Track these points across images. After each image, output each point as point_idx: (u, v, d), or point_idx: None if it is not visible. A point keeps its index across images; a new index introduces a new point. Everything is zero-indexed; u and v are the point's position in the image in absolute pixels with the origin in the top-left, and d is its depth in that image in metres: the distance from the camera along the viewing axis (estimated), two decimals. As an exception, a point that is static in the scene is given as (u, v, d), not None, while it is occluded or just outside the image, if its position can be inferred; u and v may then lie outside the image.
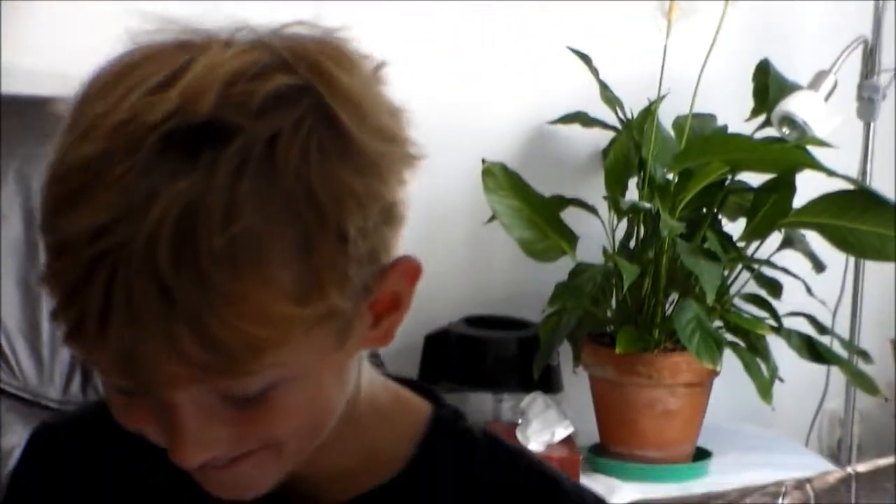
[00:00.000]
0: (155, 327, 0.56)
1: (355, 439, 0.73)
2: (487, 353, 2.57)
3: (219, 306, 0.56)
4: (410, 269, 0.68)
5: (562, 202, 2.53)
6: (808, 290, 2.46)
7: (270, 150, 0.58)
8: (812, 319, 2.50)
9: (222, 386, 0.60)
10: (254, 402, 0.62)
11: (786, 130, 2.53)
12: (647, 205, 2.41)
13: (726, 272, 2.45)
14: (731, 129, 2.60)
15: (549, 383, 2.55)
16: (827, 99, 2.55)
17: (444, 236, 2.61)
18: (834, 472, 2.29)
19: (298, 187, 0.58)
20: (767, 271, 2.51)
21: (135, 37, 0.63)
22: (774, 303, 2.48)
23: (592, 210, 2.52)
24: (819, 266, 2.54)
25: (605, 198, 2.51)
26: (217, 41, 0.62)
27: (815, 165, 2.37)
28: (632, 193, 2.50)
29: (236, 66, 0.59)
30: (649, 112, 2.47)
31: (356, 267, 0.61)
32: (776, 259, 2.50)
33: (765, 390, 2.37)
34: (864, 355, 2.60)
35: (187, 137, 0.57)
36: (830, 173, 2.40)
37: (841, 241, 2.45)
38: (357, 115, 0.61)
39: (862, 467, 2.29)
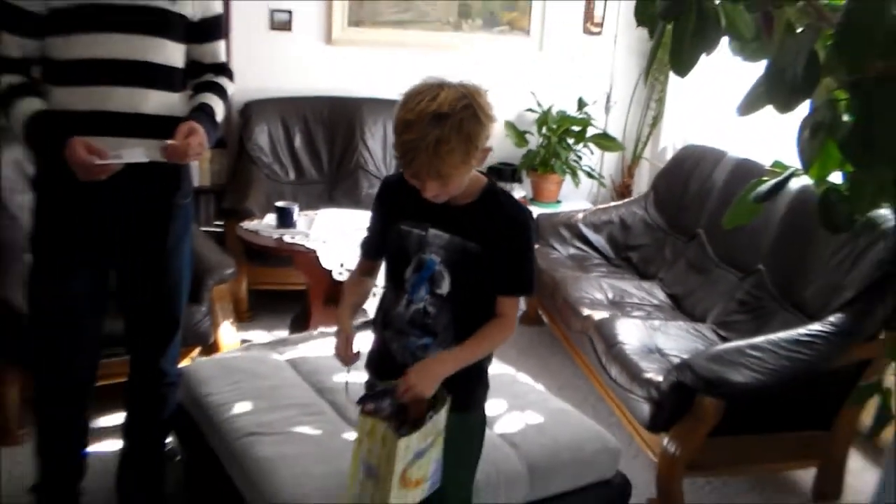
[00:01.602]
0: (426, 167, 2.06)
1: (466, 189, 2.19)
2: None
3: (443, 163, 2.05)
4: (489, 149, 2.16)
5: None
6: None
7: (458, 121, 2.03)
8: None
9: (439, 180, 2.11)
10: (445, 182, 2.10)
11: None
12: None
13: None
14: None
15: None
16: None
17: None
18: None
19: (464, 132, 2.04)
20: None
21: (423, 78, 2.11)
22: None
23: None
24: None
25: None
26: (445, 84, 2.07)
27: None
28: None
29: (451, 95, 2.05)
30: None
31: (479, 150, 2.11)
32: None
33: None
34: None
35: (436, 117, 2.01)
36: None
37: None
38: (483, 109, 2.09)
39: None
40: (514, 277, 2.23)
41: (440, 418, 2.13)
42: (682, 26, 1.46)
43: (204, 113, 2.84)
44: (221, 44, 2.95)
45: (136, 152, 2.63)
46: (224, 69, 2.98)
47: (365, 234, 2.41)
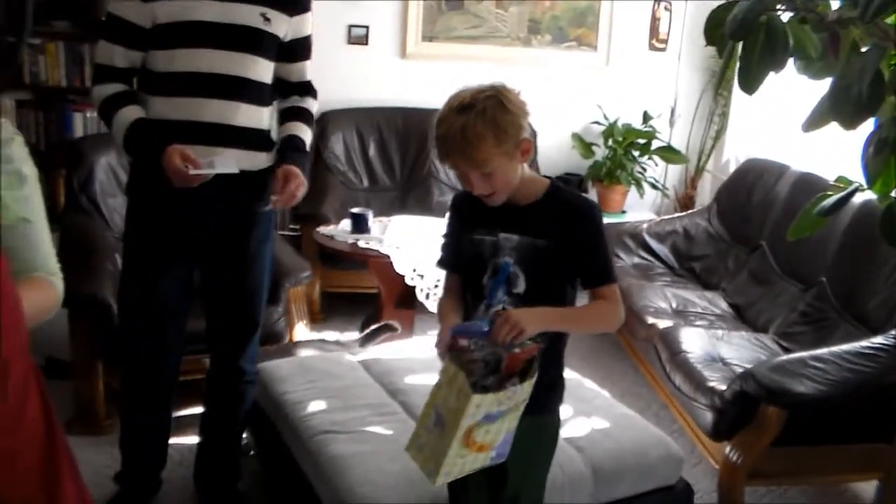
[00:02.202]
0: (459, 155, 2.14)
1: (525, 188, 2.23)
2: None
3: (474, 149, 2.10)
4: (529, 143, 2.19)
5: None
6: None
7: (482, 109, 2.09)
8: None
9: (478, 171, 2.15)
10: (489, 176, 2.14)
11: None
12: None
13: None
14: None
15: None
16: None
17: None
18: None
19: (489, 117, 2.09)
20: None
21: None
22: None
23: None
24: None
25: None
26: (478, 87, 2.15)
27: None
28: None
29: (476, 89, 2.14)
30: None
31: (513, 140, 2.14)
32: None
33: None
34: None
35: (462, 108, 2.11)
36: None
37: None
38: (508, 98, 2.14)
39: None
40: (596, 267, 2.24)
41: (522, 390, 2.07)
42: (751, 46, 1.48)
43: (297, 150, 2.94)
44: (308, 63, 3.03)
45: (228, 163, 2.72)
46: (309, 88, 3.05)
47: (442, 247, 2.44)
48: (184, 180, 2.66)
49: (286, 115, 3.03)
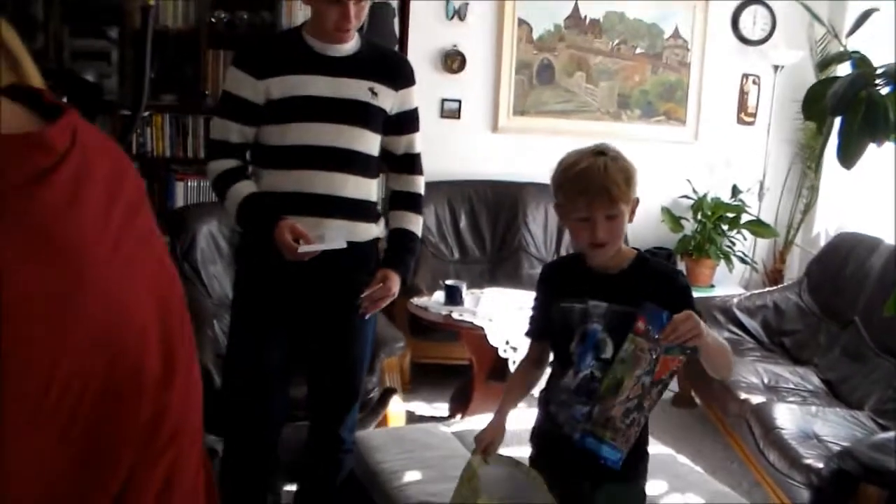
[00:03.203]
0: (597, 190, 2.17)
1: (616, 256, 2.27)
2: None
3: (613, 184, 2.17)
4: (637, 203, 2.26)
5: None
6: None
7: (615, 154, 2.24)
8: None
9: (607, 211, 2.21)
10: (612, 220, 2.20)
11: None
12: None
13: None
14: None
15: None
16: None
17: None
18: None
19: (621, 163, 2.22)
20: None
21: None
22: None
23: None
24: None
25: None
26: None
27: None
28: None
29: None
30: None
31: (633, 191, 2.22)
32: None
33: None
34: None
35: (596, 152, 2.22)
36: None
37: None
38: (628, 171, 2.23)
39: None
40: None
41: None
42: (852, 120, 1.48)
43: (407, 251, 3.05)
44: (417, 136, 3.10)
45: (337, 238, 2.79)
46: (416, 162, 3.11)
47: (530, 319, 2.46)
48: (294, 255, 2.73)
49: (398, 200, 3.11)
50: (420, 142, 3.13)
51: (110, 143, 1.07)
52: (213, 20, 5.39)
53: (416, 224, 3.09)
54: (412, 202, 3.11)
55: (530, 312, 2.46)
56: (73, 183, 0.95)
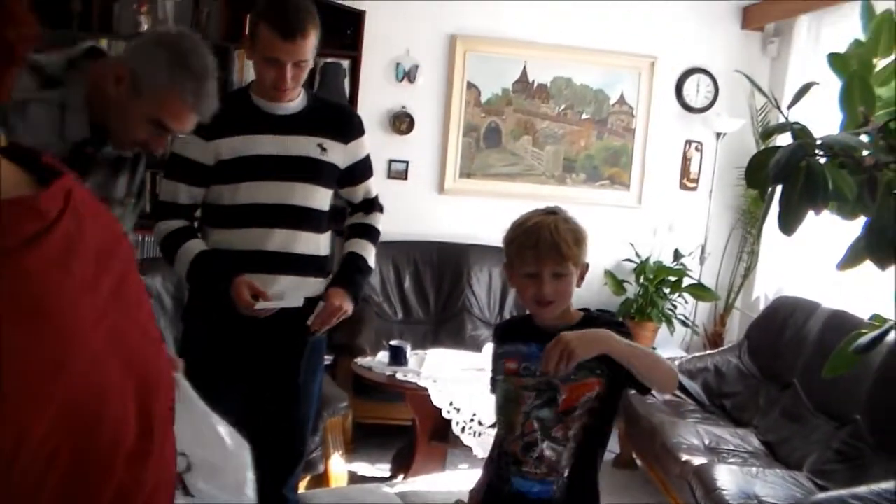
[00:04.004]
0: (546, 247, 2.20)
1: (564, 315, 2.28)
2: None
3: (562, 242, 2.23)
4: (586, 268, 2.31)
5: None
6: None
7: (566, 216, 2.29)
8: None
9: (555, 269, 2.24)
10: (559, 279, 2.23)
11: None
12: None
13: None
14: None
15: None
16: None
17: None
18: None
19: (572, 224, 2.29)
20: None
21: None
22: None
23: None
24: None
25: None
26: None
27: None
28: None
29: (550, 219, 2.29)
30: None
31: (583, 254, 2.26)
32: None
33: None
34: None
35: (548, 211, 2.29)
36: None
37: None
38: (578, 232, 2.28)
39: None
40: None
41: None
42: (792, 188, 1.54)
43: (357, 270, 3.05)
44: (371, 181, 3.13)
45: (296, 297, 2.81)
46: (374, 204, 3.15)
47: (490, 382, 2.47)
48: (251, 312, 2.74)
49: (352, 231, 3.14)
50: (375, 184, 3.16)
51: (103, 208, 1.08)
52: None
53: (368, 251, 3.10)
54: (367, 232, 3.13)
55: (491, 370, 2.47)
56: (64, 248, 0.95)
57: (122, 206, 2.46)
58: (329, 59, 5.46)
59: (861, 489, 3.31)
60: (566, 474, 2.21)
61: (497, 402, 2.32)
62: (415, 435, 4.63)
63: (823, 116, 2.45)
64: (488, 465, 2.42)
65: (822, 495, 3.40)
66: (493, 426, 2.45)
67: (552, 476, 2.21)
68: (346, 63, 5.59)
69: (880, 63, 1.63)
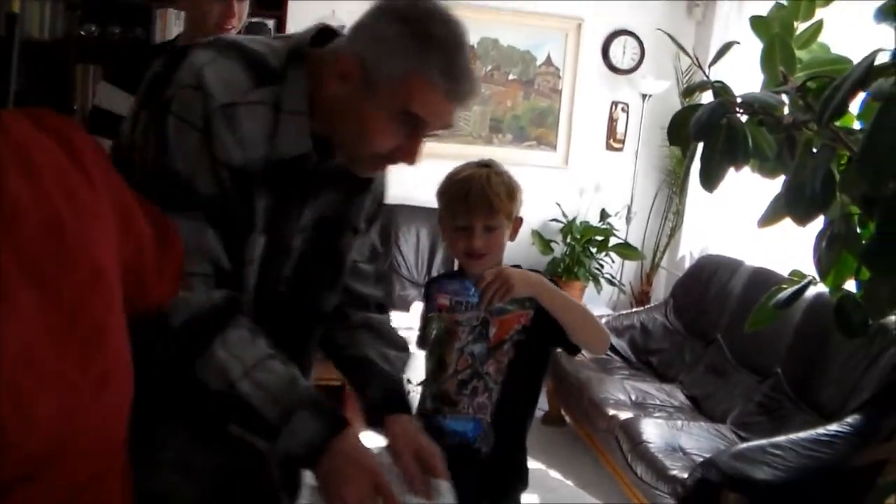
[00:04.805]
0: (478, 200, 2.19)
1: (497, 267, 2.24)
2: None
3: (494, 196, 2.21)
4: (520, 222, 2.29)
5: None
6: None
7: (500, 169, 2.27)
8: None
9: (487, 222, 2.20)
10: (491, 232, 2.20)
11: None
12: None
13: None
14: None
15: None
16: None
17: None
18: None
19: (505, 177, 2.26)
20: None
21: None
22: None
23: None
24: None
25: None
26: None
27: None
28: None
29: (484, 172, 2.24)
30: None
31: (515, 207, 2.25)
32: None
33: None
34: None
35: (482, 164, 2.28)
36: None
37: None
38: (511, 185, 2.25)
39: None
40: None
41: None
42: (713, 146, 1.57)
43: None
44: None
45: None
46: None
47: (419, 333, 2.43)
48: None
49: None
50: None
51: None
52: (82, 33, 5.20)
53: None
54: None
55: (420, 325, 2.45)
56: None
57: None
58: (254, 19, 5.40)
59: (780, 438, 3.43)
60: (493, 419, 2.21)
61: (430, 343, 2.30)
62: (343, 395, 4.65)
63: (746, 79, 2.51)
64: (418, 419, 2.41)
65: (743, 445, 3.51)
66: (420, 384, 2.43)
67: (482, 414, 2.21)
68: (271, 22, 5.54)
69: (801, 26, 1.66)
